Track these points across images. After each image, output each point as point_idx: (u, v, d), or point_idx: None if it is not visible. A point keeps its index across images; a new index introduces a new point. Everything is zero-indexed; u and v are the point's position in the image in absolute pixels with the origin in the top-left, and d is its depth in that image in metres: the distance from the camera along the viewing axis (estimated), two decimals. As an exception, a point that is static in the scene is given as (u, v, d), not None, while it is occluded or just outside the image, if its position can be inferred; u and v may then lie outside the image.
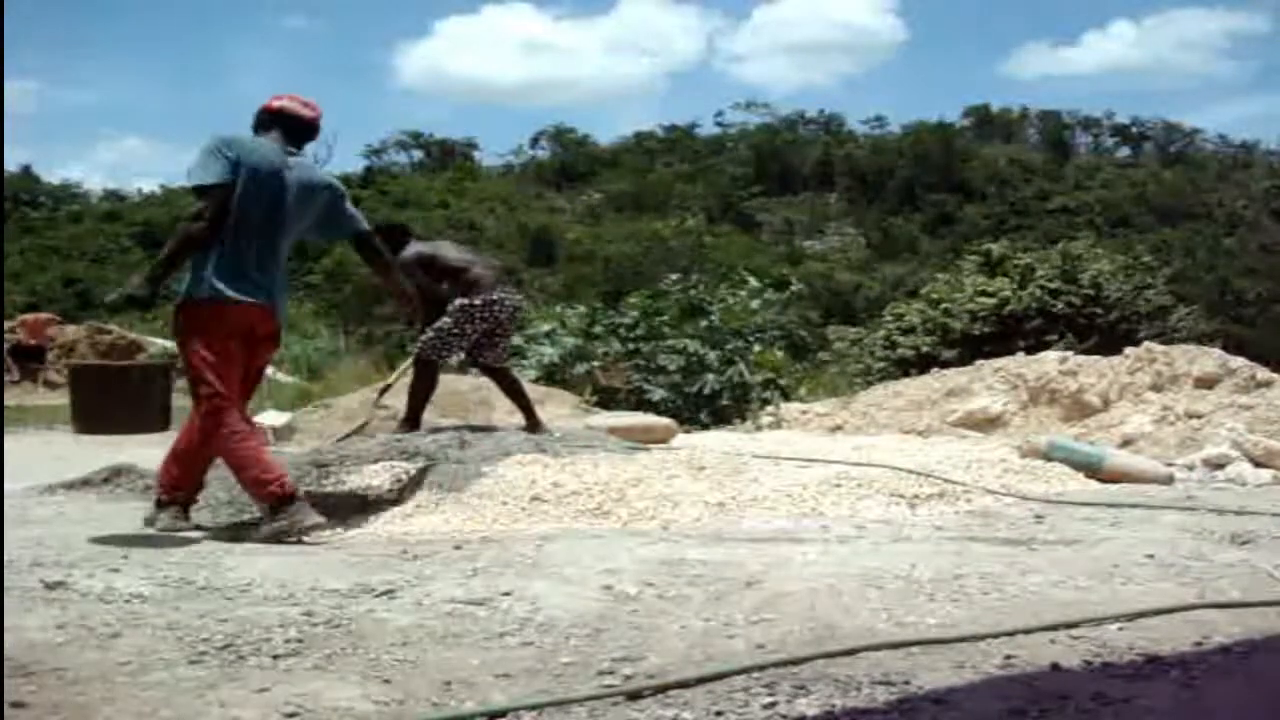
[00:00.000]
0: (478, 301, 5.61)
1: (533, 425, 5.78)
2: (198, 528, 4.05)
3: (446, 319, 5.63)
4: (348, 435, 5.93)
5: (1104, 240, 21.42)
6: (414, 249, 5.76)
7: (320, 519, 3.84)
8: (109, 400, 4.01)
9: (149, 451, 4.24)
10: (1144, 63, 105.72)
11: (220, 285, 3.81)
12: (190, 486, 4.08)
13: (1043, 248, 18.77)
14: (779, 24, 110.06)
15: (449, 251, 5.89)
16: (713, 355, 10.95)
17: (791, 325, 13.09)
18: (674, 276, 13.14)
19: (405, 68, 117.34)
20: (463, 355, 5.95)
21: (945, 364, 12.32)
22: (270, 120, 4.07)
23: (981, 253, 18.45)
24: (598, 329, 11.77)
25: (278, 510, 3.75)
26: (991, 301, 16.25)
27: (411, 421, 5.71)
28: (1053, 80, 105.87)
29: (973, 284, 16.98)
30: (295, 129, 4.08)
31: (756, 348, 11.54)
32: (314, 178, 4.09)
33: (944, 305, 16.82)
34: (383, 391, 6.50)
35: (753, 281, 12.69)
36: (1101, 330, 15.38)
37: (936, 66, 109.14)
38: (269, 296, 3.94)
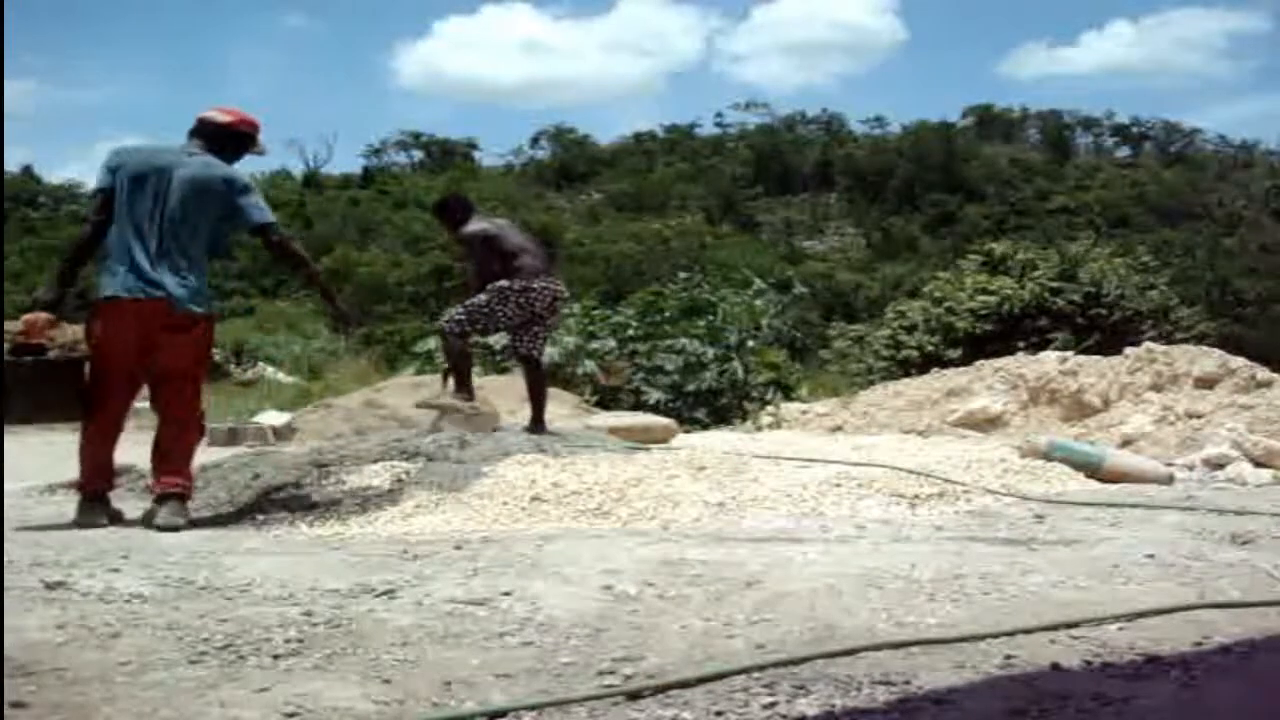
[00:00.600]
0: (516, 286, 5.65)
1: (537, 424, 5.80)
2: (193, 524, 4.07)
3: (481, 296, 5.67)
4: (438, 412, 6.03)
5: (1104, 240, 21.35)
6: (478, 225, 5.83)
7: (101, 521, 4.08)
8: (30, 392, 4.08)
9: (148, 450, 4.26)
10: (1142, 63, 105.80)
11: (104, 285, 4.09)
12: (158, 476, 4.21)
13: (1042, 248, 18.77)
14: (778, 24, 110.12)
15: (509, 234, 5.94)
16: (710, 353, 10.96)
17: (788, 326, 13.09)
18: (684, 275, 13.15)
19: (405, 68, 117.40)
20: (505, 337, 5.94)
21: (949, 363, 12.31)
22: (194, 129, 4.33)
23: (983, 252, 18.45)
24: (594, 328, 11.78)
25: (80, 504, 4.15)
26: (993, 300, 16.23)
27: (465, 390, 5.76)
28: (1051, 80, 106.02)
29: (974, 282, 16.96)
30: (215, 135, 4.31)
31: (750, 344, 11.56)
32: (208, 173, 4.18)
33: (947, 304, 16.80)
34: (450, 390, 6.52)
35: (758, 282, 12.70)
36: (1103, 330, 15.38)
37: (935, 67, 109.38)
38: (163, 290, 4.05)
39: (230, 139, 4.33)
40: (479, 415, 5.83)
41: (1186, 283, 21.29)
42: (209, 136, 4.29)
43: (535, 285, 5.69)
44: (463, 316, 5.67)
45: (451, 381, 5.95)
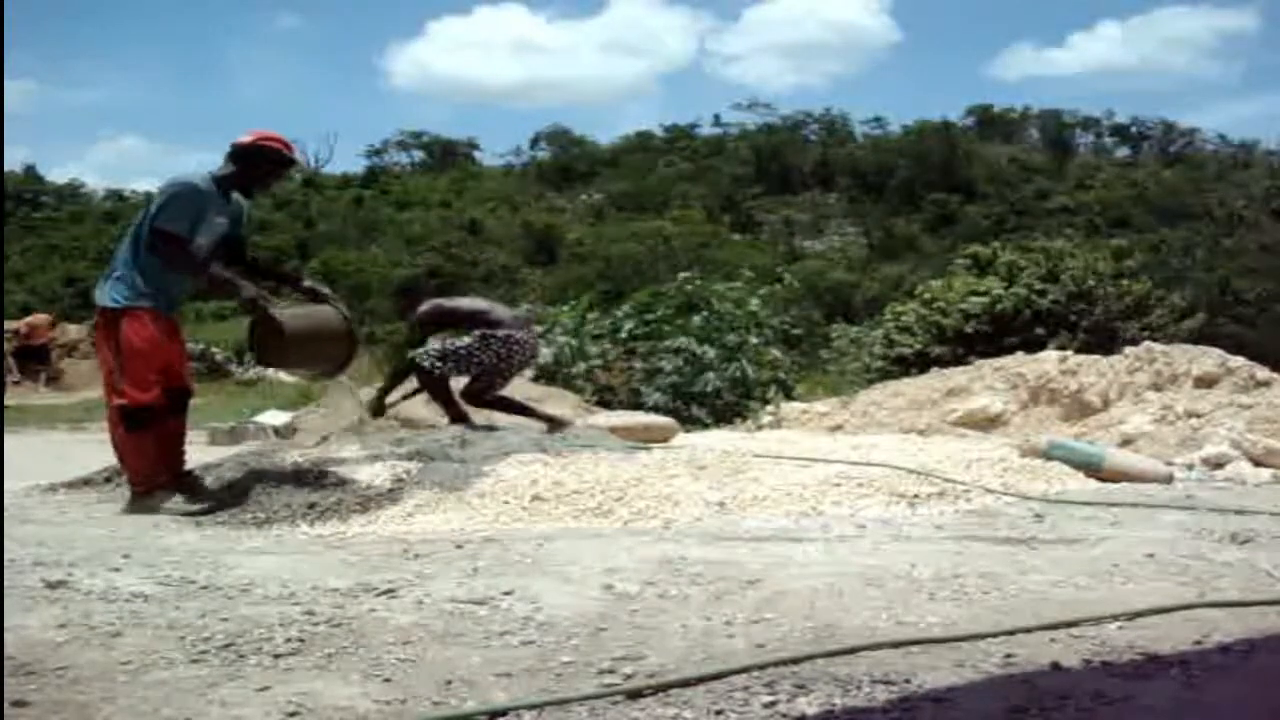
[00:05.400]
0: (500, 334, 5.66)
1: (554, 426, 5.81)
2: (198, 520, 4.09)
3: (465, 339, 5.68)
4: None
5: (1100, 239, 21.45)
6: (426, 305, 5.84)
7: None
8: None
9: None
10: (1131, 63, 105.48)
11: None
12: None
13: (1026, 250, 18.92)
14: (770, 25, 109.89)
15: (463, 301, 6.06)
16: (712, 353, 10.95)
17: (786, 324, 13.08)
18: (684, 275, 13.15)
19: (401, 69, 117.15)
20: (464, 378, 5.84)
21: (937, 361, 12.39)
22: (227, 154, 4.62)
23: (970, 254, 18.73)
24: (592, 329, 11.77)
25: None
26: (983, 300, 16.40)
27: (454, 411, 5.77)
28: (1041, 82, 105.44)
29: (964, 284, 17.13)
30: (240, 156, 4.57)
31: (753, 340, 11.55)
32: (165, 185, 4.51)
33: (938, 304, 16.95)
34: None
35: (747, 272, 12.70)
36: (1088, 329, 15.49)
37: (925, 67, 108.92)
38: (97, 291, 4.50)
39: (254, 158, 4.56)
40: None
41: (1186, 283, 21.30)
42: (236, 159, 4.55)
43: (518, 336, 5.71)
44: (440, 356, 5.66)
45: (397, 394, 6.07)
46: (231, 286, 4.56)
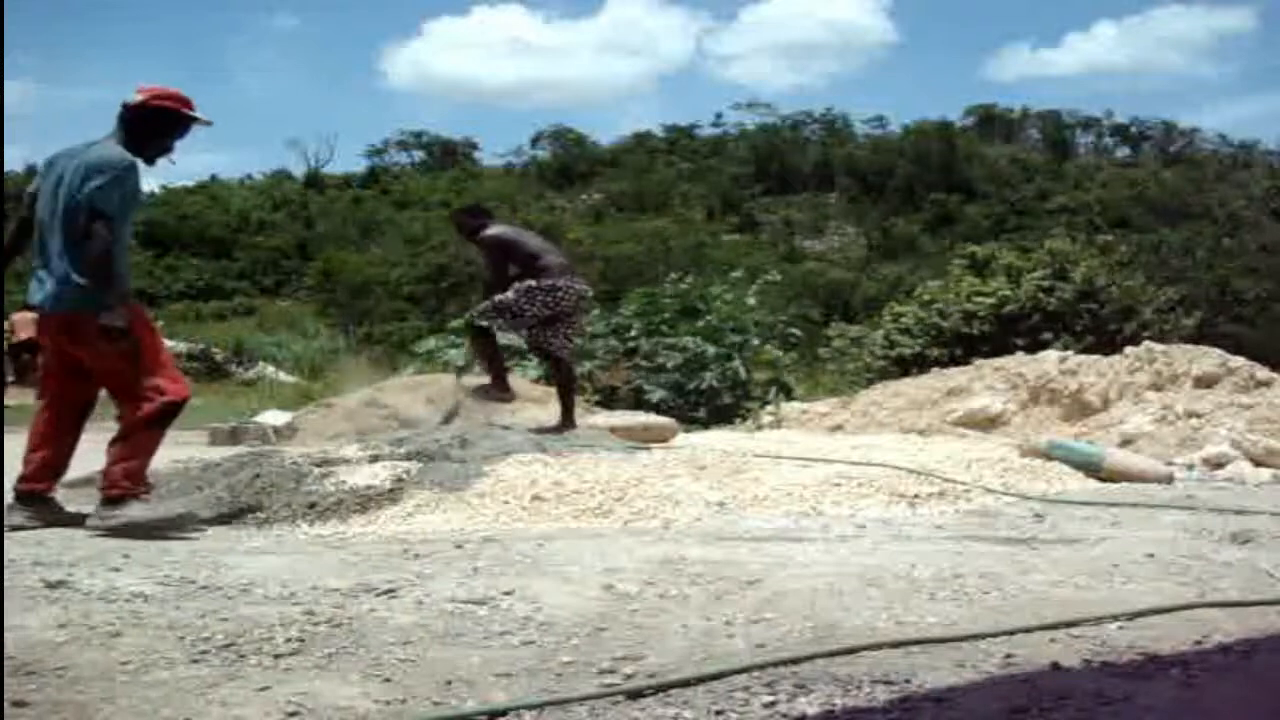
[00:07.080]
0: (543, 284, 5.77)
1: (567, 422, 5.85)
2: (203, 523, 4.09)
3: (509, 293, 5.79)
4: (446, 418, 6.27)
5: (1098, 240, 21.46)
6: (495, 229, 5.97)
7: (34, 524, 3.97)
8: None
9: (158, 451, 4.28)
10: (1128, 64, 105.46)
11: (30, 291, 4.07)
12: (108, 474, 4.15)
13: (1024, 251, 18.93)
14: (768, 25, 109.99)
15: (527, 238, 6.15)
16: (711, 351, 10.97)
17: (782, 322, 13.09)
18: (673, 276, 13.16)
19: (399, 69, 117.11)
20: (524, 333, 6.01)
21: (935, 363, 12.41)
22: (118, 116, 4.05)
23: (967, 255, 18.76)
24: (598, 328, 11.78)
25: (19, 501, 4.05)
26: (989, 301, 16.38)
27: (499, 383, 5.96)
28: (1038, 82, 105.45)
29: (969, 285, 17.12)
30: (133, 119, 4.00)
31: (755, 342, 11.56)
32: (88, 159, 3.86)
33: (936, 306, 16.96)
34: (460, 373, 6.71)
35: (736, 273, 12.75)
36: (1097, 329, 15.50)
37: (921, 68, 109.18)
38: (42, 294, 3.97)
39: (150, 119, 4.00)
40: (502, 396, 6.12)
41: (1186, 283, 21.30)
42: (129, 122, 3.99)
43: (561, 284, 5.82)
44: (490, 309, 5.81)
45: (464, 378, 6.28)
46: (120, 304, 3.90)
